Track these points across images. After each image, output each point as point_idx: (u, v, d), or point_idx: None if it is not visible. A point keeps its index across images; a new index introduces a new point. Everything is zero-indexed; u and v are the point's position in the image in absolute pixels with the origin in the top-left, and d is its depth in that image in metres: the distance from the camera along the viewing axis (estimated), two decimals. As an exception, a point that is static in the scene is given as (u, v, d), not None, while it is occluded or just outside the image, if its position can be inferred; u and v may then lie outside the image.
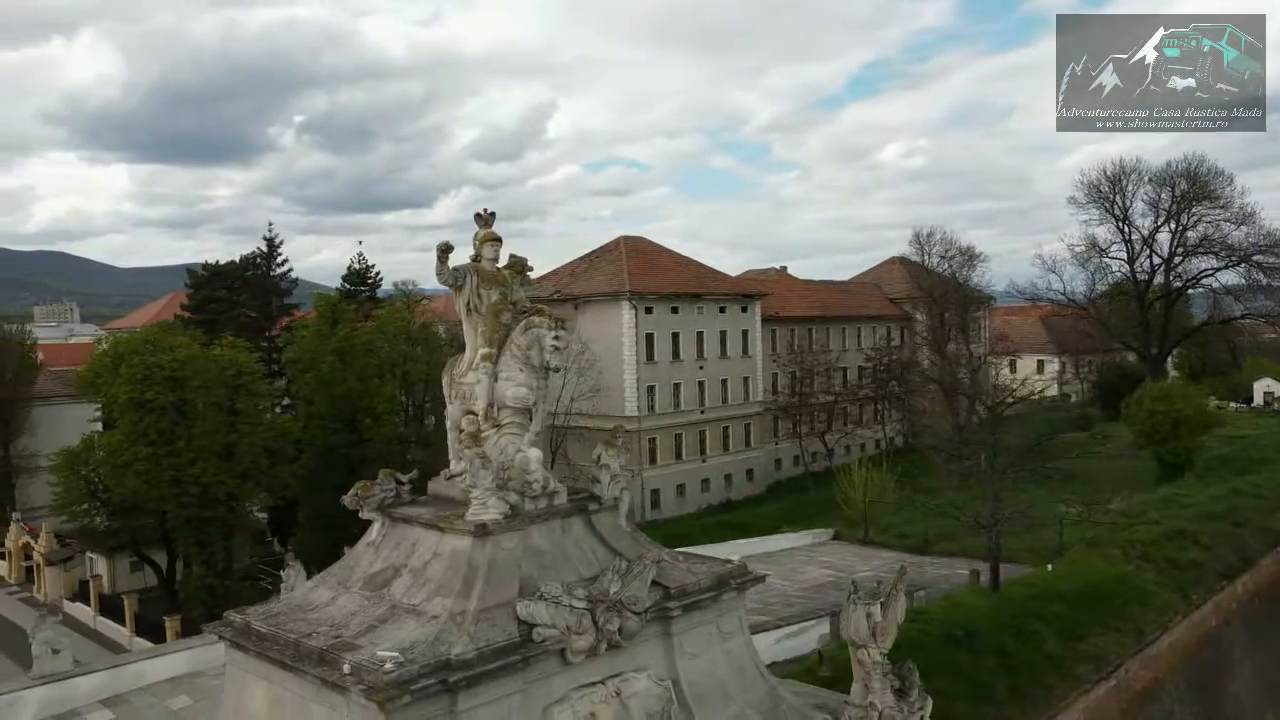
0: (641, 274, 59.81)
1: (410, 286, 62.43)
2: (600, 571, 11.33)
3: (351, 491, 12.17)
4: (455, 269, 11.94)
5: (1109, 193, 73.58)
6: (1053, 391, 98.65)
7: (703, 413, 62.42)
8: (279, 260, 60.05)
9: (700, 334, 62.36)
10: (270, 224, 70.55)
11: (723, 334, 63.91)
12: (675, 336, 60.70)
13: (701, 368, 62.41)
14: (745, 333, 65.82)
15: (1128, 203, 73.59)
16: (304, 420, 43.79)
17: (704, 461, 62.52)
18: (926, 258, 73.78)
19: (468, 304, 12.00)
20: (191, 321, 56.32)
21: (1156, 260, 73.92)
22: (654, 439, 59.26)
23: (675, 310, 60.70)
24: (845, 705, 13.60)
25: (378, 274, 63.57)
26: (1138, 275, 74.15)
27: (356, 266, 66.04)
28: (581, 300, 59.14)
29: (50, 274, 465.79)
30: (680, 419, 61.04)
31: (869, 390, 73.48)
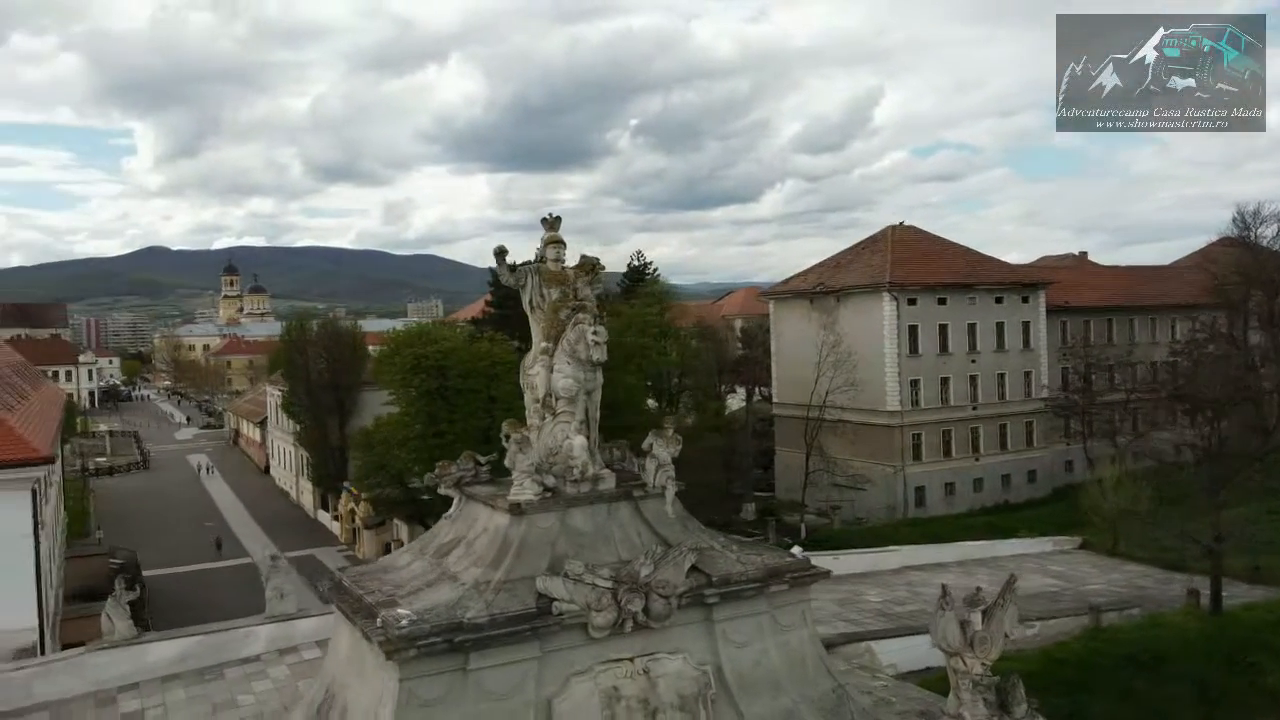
0: (905, 264, 57.62)
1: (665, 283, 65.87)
2: (637, 554, 11.95)
3: (434, 470, 13.68)
4: (517, 270, 13.06)
5: None
6: None
7: (975, 409, 59.06)
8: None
9: (972, 326, 58.99)
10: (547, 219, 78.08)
11: (999, 326, 59.99)
12: (943, 329, 57.89)
13: (974, 361, 59.06)
14: (1026, 324, 61.25)
15: None
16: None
17: (977, 460, 59.09)
18: (1255, 238, 64.27)
19: (530, 301, 13.04)
20: (493, 316, 61.89)
21: None
22: (918, 435, 57.01)
23: (943, 301, 57.94)
24: (942, 714, 13.26)
25: (654, 270, 69.02)
26: None
27: (635, 264, 70.34)
28: (841, 293, 58.19)
29: (422, 275, 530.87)
30: (948, 415, 58.14)
31: (1173, 389, 65.28)
